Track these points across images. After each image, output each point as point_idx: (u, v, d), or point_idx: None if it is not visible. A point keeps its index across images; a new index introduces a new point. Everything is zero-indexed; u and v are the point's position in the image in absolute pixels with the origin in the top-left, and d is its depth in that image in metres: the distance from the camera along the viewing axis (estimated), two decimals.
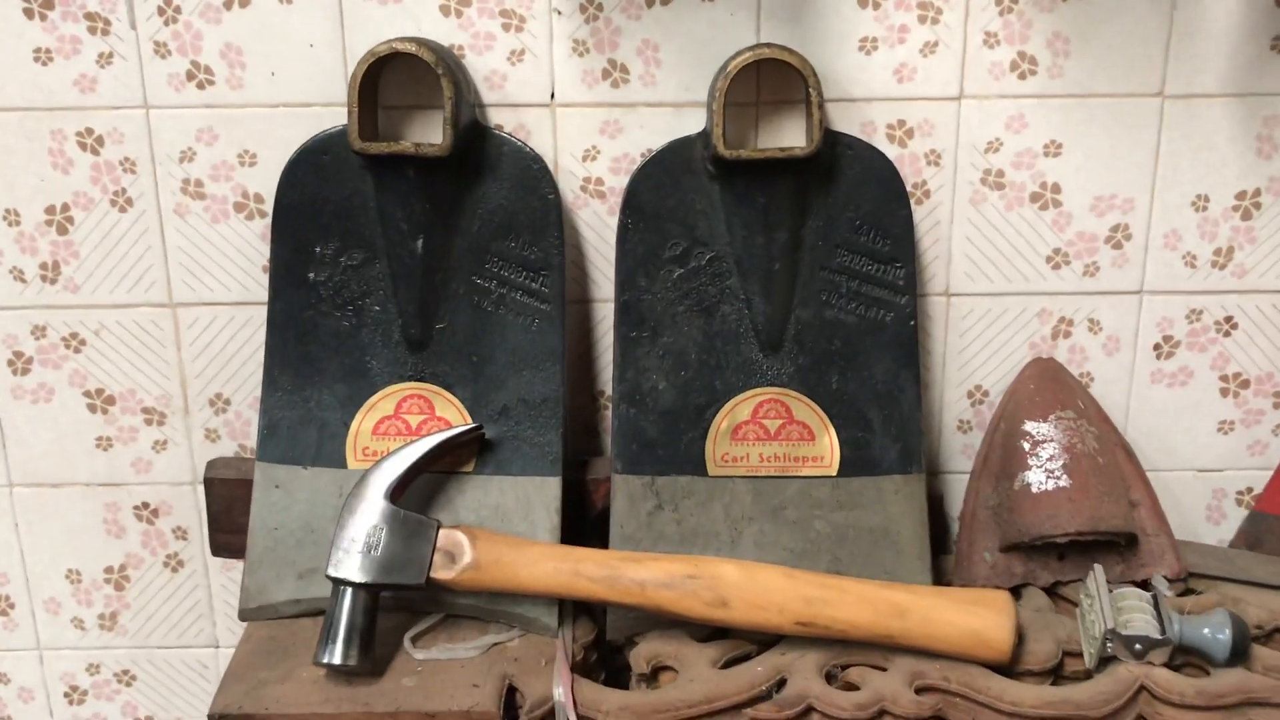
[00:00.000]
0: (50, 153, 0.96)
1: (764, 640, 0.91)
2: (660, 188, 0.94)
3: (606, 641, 0.94)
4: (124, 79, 0.94)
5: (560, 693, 0.86)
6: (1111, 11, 0.93)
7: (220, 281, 1.00)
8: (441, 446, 0.91)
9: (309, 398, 0.96)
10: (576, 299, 1.01)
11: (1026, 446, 0.98)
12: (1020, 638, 0.89)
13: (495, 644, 0.91)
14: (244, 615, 0.94)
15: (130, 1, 0.92)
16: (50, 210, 0.98)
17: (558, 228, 0.94)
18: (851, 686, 0.89)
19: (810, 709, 0.86)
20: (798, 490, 0.94)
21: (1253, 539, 1.04)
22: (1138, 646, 0.89)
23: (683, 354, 0.95)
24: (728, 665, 0.91)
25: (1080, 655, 0.91)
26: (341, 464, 0.95)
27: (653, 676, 0.91)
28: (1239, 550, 1.04)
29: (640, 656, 0.91)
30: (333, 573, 0.86)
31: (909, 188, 0.96)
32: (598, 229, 0.99)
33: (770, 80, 0.95)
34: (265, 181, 0.96)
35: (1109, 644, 0.89)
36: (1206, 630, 0.89)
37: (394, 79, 0.94)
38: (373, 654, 0.87)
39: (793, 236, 0.94)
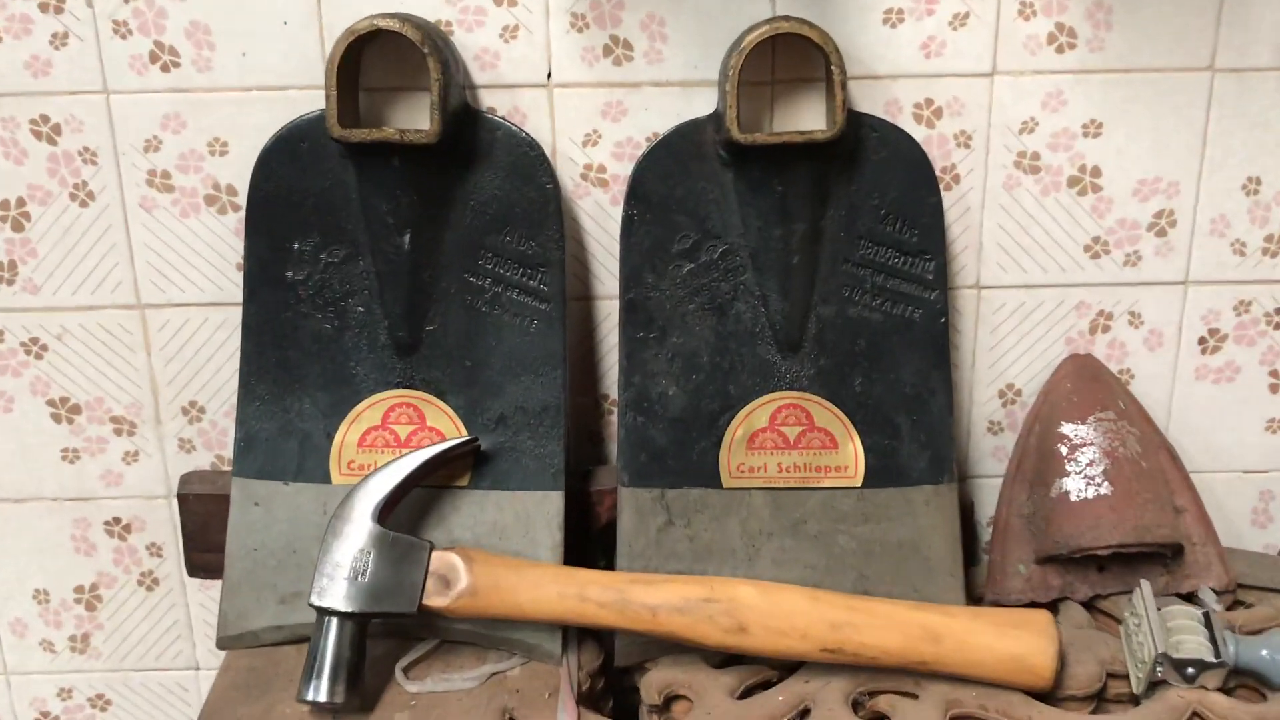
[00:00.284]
0: (2, 142, 0.89)
1: (784, 665, 0.86)
2: (668, 175, 0.88)
3: (614, 668, 0.87)
4: (81, 61, 0.88)
5: None
6: None
7: (191, 281, 0.93)
8: (433, 461, 0.85)
9: (289, 407, 0.89)
10: (578, 296, 0.94)
11: (1064, 450, 0.92)
12: (1063, 661, 0.83)
13: (494, 674, 0.86)
14: (222, 644, 0.88)
15: None
16: (4, 205, 0.91)
17: (556, 220, 0.88)
18: (880, 716, 0.83)
19: None
20: (820, 503, 0.89)
21: None
22: (1190, 670, 0.83)
23: (694, 356, 0.88)
24: (746, 694, 0.85)
25: (1124, 677, 0.85)
26: (325, 479, 0.89)
27: (665, 707, 0.85)
28: None
29: (652, 686, 0.85)
30: (316, 601, 0.80)
31: (937, 172, 0.89)
32: (600, 221, 0.93)
33: (787, 56, 0.88)
34: (238, 172, 0.90)
35: (1159, 668, 0.82)
36: (1265, 652, 0.83)
37: (376, 59, 0.88)
38: (361, 688, 0.82)
39: (812, 227, 0.87)
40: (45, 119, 0.89)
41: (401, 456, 0.84)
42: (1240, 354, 0.97)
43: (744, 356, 0.89)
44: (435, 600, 0.81)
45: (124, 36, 0.87)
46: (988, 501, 1.00)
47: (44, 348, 0.95)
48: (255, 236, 0.89)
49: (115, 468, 0.98)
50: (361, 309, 0.89)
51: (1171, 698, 0.83)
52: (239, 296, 0.90)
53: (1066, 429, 0.92)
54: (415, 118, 0.89)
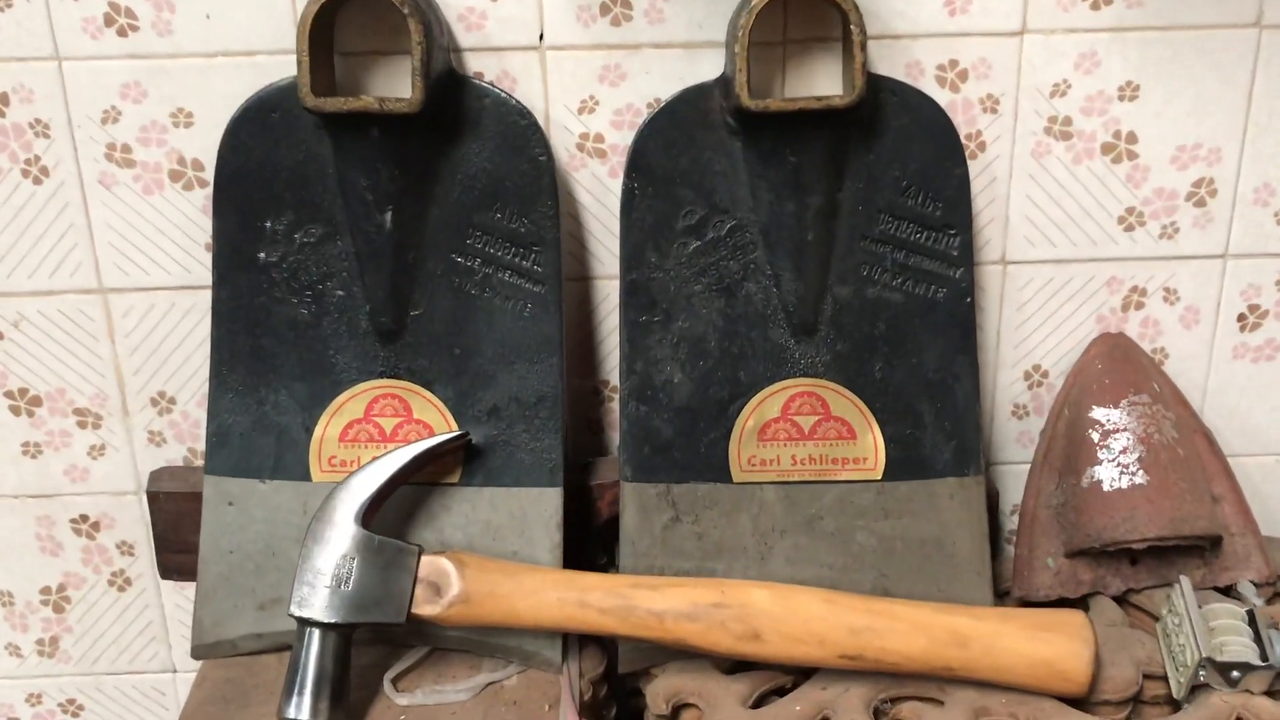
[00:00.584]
0: None
1: (799, 669, 0.81)
2: (671, 145, 0.82)
3: (618, 674, 0.82)
4: (28, 25, 0.81)
5: None
6: None
7: (157, 263, 0.87)
8: (421, 457, 0.79)
9: (264, 399, 0.83)
10: (574, 277, 0.89)
11: (1095, 437, 0.86)
12: (1097, 665, 0.78)
13: (490, 684, 0.81)
14: (197, 653, 0.83)
15: None
16: None
17: (551, 194, 0.82)
18: None
19: None
20: (837, 497, 0.83)
21: None
22: (1234, 674, 0.78)
23: (700, 341, 0.83)
24: (759, 701, 0.80)
25: (1161, 678, 0.80)
26: (305, 476, 0.83)
27: (673, 716, 0.81)
28: None
29: (658, 694, 0.80)
30: (297, 612, 0.75)
31: (961, 139, 0.83)
32: (598, 195, 0.87)
33: (799, 15, 0.82)
34: (204, 145, 0.84)
35: (1202, 672, 0.77)
36: None
37: (352, 20, 0.81)
38: (346, 703, 0.77)
39: (828, 201, 0.81)
40: None
41: (386, 453, 0.78)
42: None
43: (755, 341, 0.83)
44: (425, 609, 0.76)
45: None
46: (1012, 489, 0.95)
47: (0, 335, 0.88)
48: (224, 215, 0.82)
49: (80, 462, 0.92)
50: (341, 293, 0.83)
51: (1214, 702, 0.78)
52: (208, 280, 0.84)
53: (1098, 414, 0.87)
54: (395, 85, 0.83)
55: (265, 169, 0.81)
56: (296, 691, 0.74)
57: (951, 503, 0.83)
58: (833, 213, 0.82)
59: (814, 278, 0.82)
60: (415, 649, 0.82)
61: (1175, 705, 0.80)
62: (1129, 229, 0.88)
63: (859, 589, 0.81)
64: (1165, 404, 0.88)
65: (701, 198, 0.82)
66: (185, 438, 0.91)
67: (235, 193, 0.82)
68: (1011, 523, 0.96)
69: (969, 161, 0.84)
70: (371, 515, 0.77)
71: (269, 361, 0.83)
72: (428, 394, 0.83)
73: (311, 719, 0.74)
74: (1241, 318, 0.91)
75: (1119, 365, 0.89)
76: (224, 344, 0.83)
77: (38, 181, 0.85)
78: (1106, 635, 0.82)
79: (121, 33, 0.81)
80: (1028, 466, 0.90)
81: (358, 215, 0.81)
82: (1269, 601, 0.87)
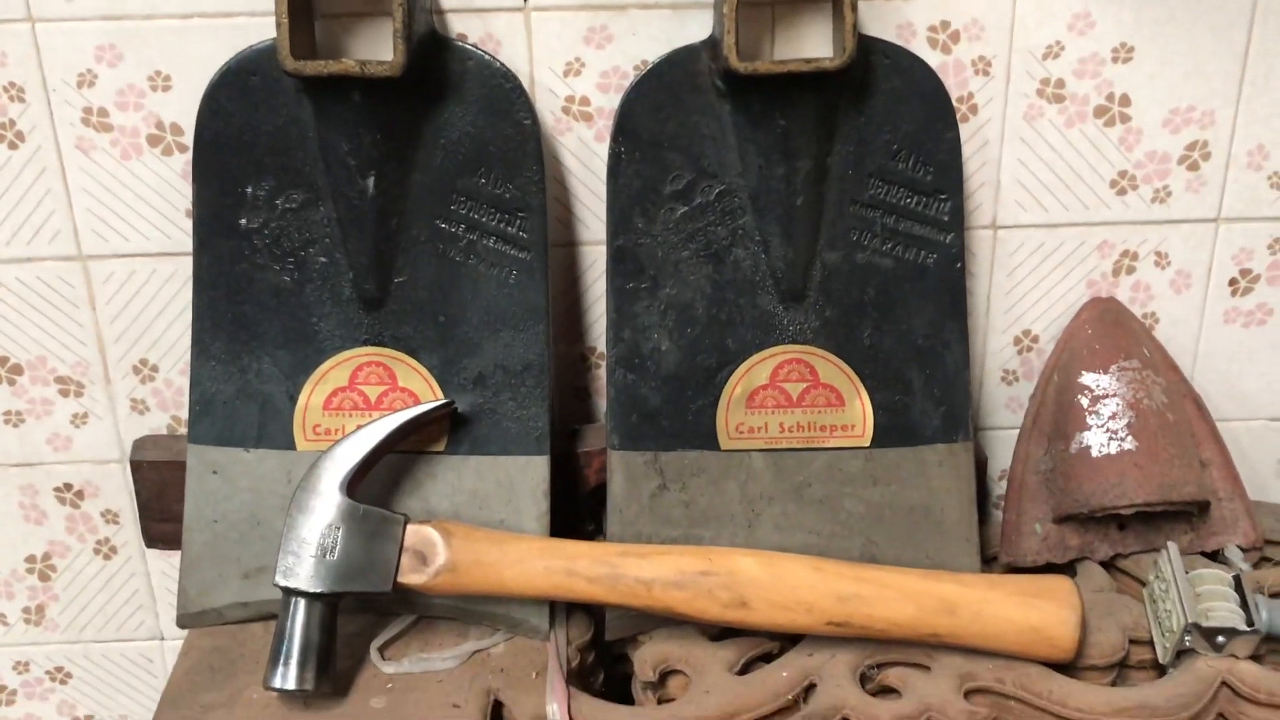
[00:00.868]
0: None
1: (786, 636, 0.80)
2: (659, 109, 0.80)
3: (605, 641, 0.82)
4: None
5: (555, 710, 0.75)
6: None
7: (137, 229, 0.86)
8: (406, 426, 0.78)
9: (247, 367, 0.82)
10: (560, 243, 0.87)
11: (1085, 402, 0.86)
12: (1084, 630, 0.78)
13: (477, 651, 0.80)
14: (183, 622, 0.82)
15: None
16: None
17: (536, 159, 0.80)
18: (890, 689, 0.78)
19: None
20: (825, 464, 0.83)
21: None
22: (1220, 639, 0.78)
23: (688, 308, 0.82)
24: (746, 668, 0.80)
25: (1147, 643, 0.81)
26: (289, 445, 0.82)
27: (660, 683, 0.80)
28: None
29: (646, 661, 0.80)
30: (282, 582, 0.74)
31: (953, 102, 0.81)
32: (584, 159, 0.86)
33: None
34: (183, 109, 0.82)
35: (1188, 638, 0.77)
36: None
37: None
38: (333, 672, 0.76)
39: (818, 165, 0.80)
40: None
41: (371, 421, 0.77)
42: (1273, 295, 0.91)
43: (743, 307, 0.82)
44: (411, 578, 0.75)
45: None
46: (1001, 455, 0.94)
47: None
48: (204, 180, 0.81)
49: (63, 430, 0.91)
50: (323, 259, 0.81)
51: (1199, 667, 0.78)
52: (189, 246, 0.83)
53: (1088, 379, 0.86)
54: (377, 48, 0.81)
55: (245, 134, 0.80)
56: (282, 661, 0.74)
57: (940, 469, 0.82)
58: (822, 177, 0.81)
59: (803, 243, 0.81)
60: (401, 617, 0.82)
61: (1161, 670, 0.80)
62: (1121, 193, 0.87)
63: (847, 556, 0.81)
64: (1155, 369, 0.87)
65: (689, 162, 0.81)
66: (168, 406, 0.91)
67: (215, 158, 0.80)
68: (1000, 488, 0.96)
69: (960, 125, 0.83)
70: (356, 484, 0.76)
71: (251, 329, 0.82)
72: (412, 362, 0.82)
73: (298, 688, 0.73)
74: (1233, 282, 0.90)
75: (1109, 330, 0.88)
76: (205, 311, 0.82)
77: (13, 146, 0.83)
78: (1093, 601, 0.82)
79: None
80: (1017, 432, 0.90)
81: (339, 181, 0.80)
82: (1256, 566, 0.87)
